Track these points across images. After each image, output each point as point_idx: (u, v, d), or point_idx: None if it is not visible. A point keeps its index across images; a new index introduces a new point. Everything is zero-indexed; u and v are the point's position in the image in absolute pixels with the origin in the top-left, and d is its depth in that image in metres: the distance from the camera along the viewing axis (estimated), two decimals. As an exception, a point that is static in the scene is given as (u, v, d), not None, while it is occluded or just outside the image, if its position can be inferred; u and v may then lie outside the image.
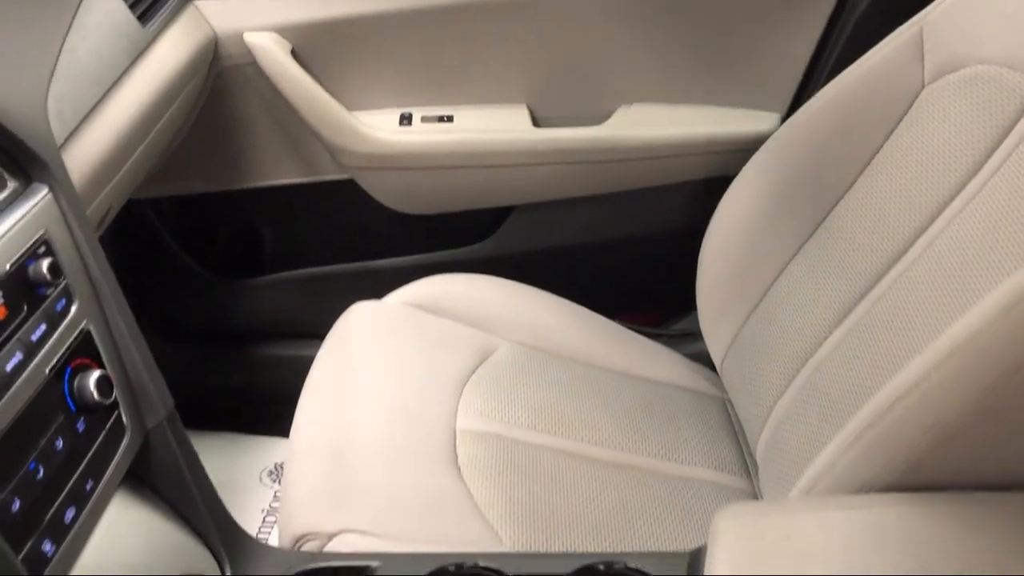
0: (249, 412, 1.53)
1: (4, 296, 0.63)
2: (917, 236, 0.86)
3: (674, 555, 0.78)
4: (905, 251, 0.87)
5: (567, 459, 1.03)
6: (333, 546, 0.86)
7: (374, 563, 0.80)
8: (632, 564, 0.78)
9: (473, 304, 1.23)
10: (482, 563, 0.80)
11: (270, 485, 1.46)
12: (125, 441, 0.72)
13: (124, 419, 0.72)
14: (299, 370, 1.14)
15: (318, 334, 1.21)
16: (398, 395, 1.06)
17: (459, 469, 0.99)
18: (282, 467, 1.48)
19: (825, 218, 0.99)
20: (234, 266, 1.49)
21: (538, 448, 1.03)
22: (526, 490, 0.97)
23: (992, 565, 0.67)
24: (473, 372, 1.12)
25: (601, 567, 0.79)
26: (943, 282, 0.79)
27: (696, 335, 1.23)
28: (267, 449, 1.50)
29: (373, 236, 1.45)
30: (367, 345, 1.14)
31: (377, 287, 1.26)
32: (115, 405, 0.72)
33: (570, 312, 1.28)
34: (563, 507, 0.96)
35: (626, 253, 1.44)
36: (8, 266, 0.64)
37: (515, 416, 1.06)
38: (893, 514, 0.71)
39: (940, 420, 0.70)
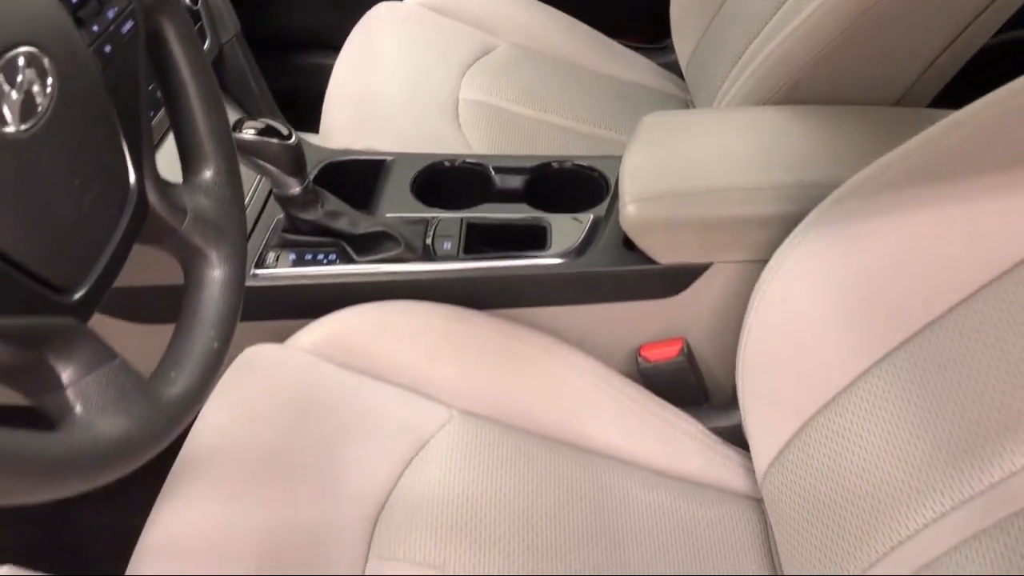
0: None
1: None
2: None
3: (614, 158, 1.04)
4: None
5: (546, 127, 1.27)
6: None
7: (388, 157, 1.07)
8: (579, 163, 1.05)
9: (480, 8, 1.42)
10: (468, 160, 1.07)
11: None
12: (206, 44, 0.98)
13: (205, 27, 0.98)
14: (322, 77, 1.32)
15: (339, 46, 1.38)
16: (414, 66, 1.30)
17: (459, 124, 1.24)
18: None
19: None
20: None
21: (524, 118, 1.27)
22: (510, 143, 1.23)
23: (832, 149, 0.92)
24: (476, 61, 1.33)
25: (555, 164, 1.05)
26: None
27: (671, 48, 1.45)
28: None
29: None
30: (388, 33, 1.37)
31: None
32: (198, 15, 0.96)
33: (564, 23, 1.49)
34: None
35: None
36: None
37: (507, 94, 1.29)
38: (771, 113, 0.96)
39: (817, 47, 0.94)
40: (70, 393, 0.46)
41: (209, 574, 0.69)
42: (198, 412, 0.53)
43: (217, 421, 0.79)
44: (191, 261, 0.58)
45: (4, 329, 0.43)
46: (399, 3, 1.45)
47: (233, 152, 0.61)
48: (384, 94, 1.24)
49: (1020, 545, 0.61)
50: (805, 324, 0.80)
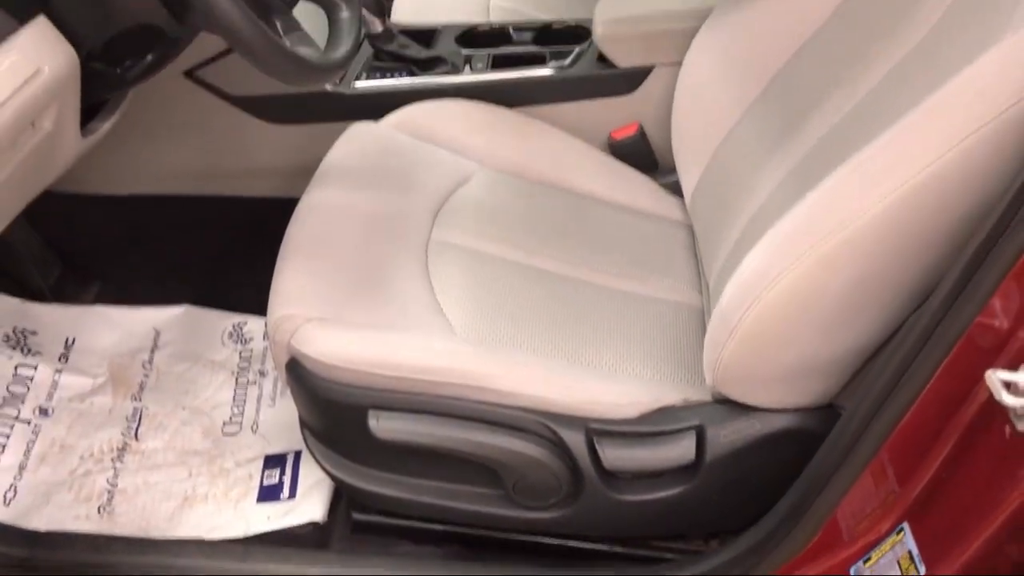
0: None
1: None
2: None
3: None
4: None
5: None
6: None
7: (439, 27, 1.53)
8: (569, 23, 1.50)
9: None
10: (495, 24, 1.52)
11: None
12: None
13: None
14: None
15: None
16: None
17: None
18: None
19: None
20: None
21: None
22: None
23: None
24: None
25: (554, 25, 1.50)
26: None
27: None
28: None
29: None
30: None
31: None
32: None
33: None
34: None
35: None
36: None
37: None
38: None
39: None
40: (285, 40, 0.93)
41: (333, 223, 1.15)
42: (341, 71, 0.99)
43: (336, 158, 1.26)
44: (331, 9, 1.05)
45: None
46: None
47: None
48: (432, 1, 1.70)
49: (806, 172, 1.04)
50: (706, 87, 1.25)
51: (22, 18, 0.85)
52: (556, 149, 1.35)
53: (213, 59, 1.36)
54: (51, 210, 1.28)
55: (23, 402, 1.32)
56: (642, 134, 1.38)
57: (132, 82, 1.00)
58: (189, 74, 1.37)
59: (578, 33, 1.47)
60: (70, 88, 0.93)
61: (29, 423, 1.30)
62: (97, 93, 0.99)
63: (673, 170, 1.35)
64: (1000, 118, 0.73)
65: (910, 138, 0.79)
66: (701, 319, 1.17)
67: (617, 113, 1.38)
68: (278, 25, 0.92)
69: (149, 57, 0.97)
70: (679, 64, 1.31)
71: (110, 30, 0.93)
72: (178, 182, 1.51)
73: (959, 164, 0.76)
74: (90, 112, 1.05)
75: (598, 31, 1.33)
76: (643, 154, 1.39)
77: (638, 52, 1.33)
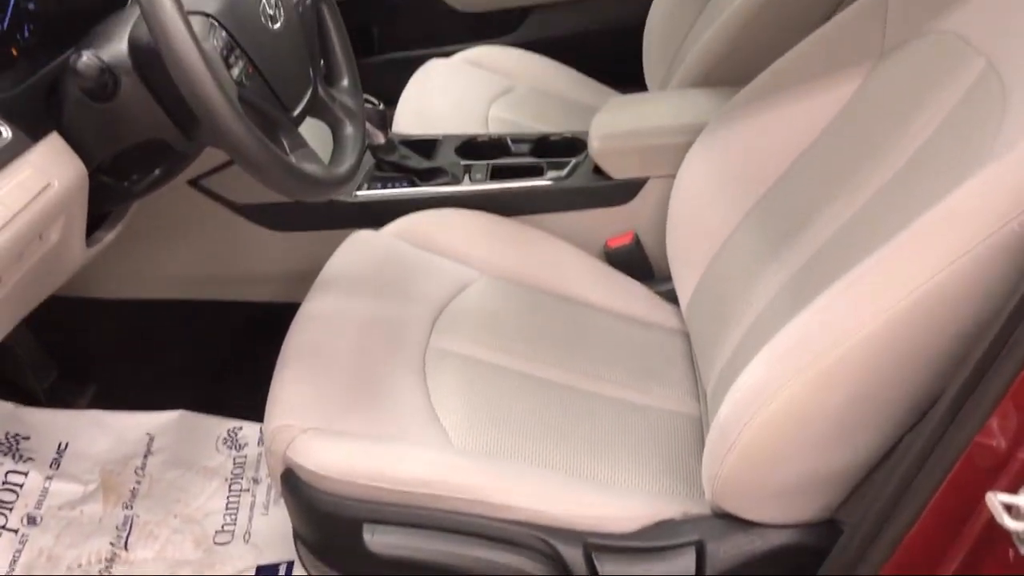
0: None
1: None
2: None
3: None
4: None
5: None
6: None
7: (439, 137, 1.56)
8: (565, 135, 1.53)
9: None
10: (493, 135, 1.56)
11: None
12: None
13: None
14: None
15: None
16: (456, 98, 1.80)
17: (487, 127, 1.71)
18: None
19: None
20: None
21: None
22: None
23: (719, 102, 1.39)
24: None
25: (552, 137, 1.54)
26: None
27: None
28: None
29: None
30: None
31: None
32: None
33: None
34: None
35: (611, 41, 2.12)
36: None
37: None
38: (690, 91, 1.44)
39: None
40: (291, 157, 0.95)
41: (332, 331, 1.15)
42: (346, 186, 1.01)
43: (337, 266, 1.27)
44: (336, 125, 1.07)
45: (266, 112, 0.92)
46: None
47: (358, 80, 1.11)
48: (433, 113, 1.75)
49: (801, 285, 1.05)
50: (700, 199, 1.27)
51: (36, 136, 0.87)
52: (554, 258, 1.37)
53: (217, 169, 1.39)
54: (49, 314, 1.29)
55: (11, 510, 1.30)
56: (637, 243, 1.40)
57: (138, 195, 1.02)
58: (193, 183, 1.40)
59: (574, 145, 1.51)
60: (78, 201, 0.94)
61: (16, 532, 1.27)
62: (104, 205, 1.01)
63: (668, 278, 1.36)
64: (987, 241, 0.75)
65: (902, 257, 0.81)
66: (700, 429, 1.17)
67: (613, 222, 1.41)
68: (284, 143, 0.94)
69: (156, 171, 1.00)
70: (673, 176, 1.33)
71: (119, 145, 0.95)
72: (179, 287, 1.52)
73: (952, 283, 0.78)
74: (95, 221, 1.07)
75: (594, 145, 1.36)
76: (638, 262, 1.41)
77: (633, 165, 1.37)
